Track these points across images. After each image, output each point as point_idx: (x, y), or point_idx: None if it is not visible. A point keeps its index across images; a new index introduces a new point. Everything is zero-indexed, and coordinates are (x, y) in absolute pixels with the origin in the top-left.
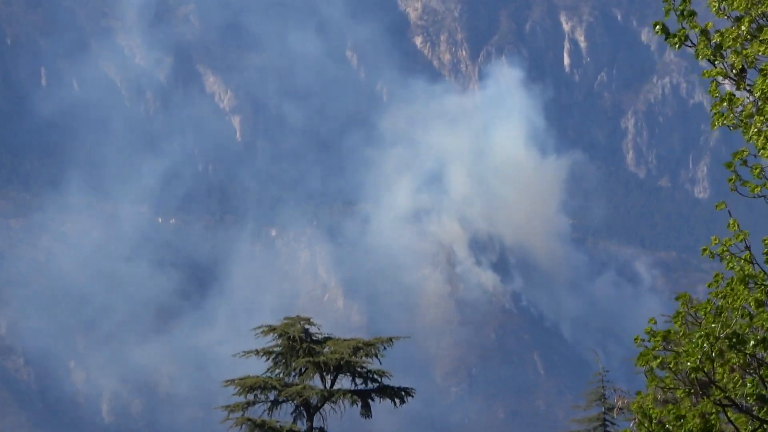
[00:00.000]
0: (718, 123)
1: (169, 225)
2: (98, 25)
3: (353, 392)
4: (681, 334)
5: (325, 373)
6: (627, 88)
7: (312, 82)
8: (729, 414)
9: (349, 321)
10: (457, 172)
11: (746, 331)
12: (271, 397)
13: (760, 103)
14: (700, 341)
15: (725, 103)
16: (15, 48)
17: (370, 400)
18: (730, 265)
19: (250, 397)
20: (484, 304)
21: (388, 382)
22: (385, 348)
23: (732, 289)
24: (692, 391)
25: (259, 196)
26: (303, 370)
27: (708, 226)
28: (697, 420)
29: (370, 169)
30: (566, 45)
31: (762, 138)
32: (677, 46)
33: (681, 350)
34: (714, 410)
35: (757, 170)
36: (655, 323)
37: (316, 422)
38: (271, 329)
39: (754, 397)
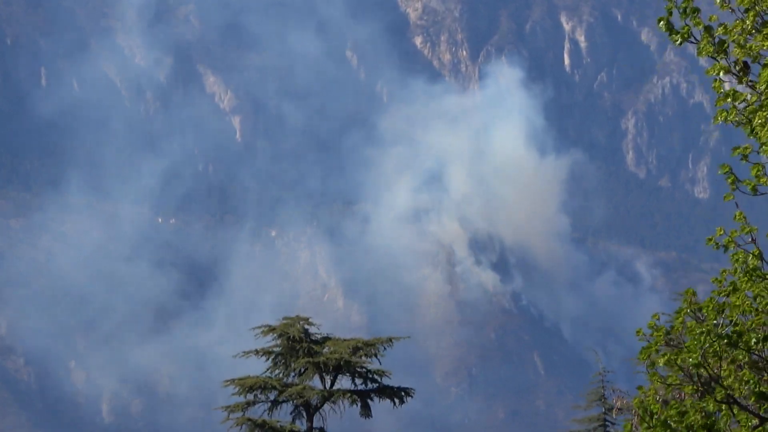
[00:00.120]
0: (720, 118)
1: (169, 225)
2: (98, 25)
3: (353, 392)
4: (683, 330)
5: (324, 374)
6: (627, 88)
7: (312, 82)
8: (730, 411)
9: (349, 321)
10: (457, 172)
11: (752, 325)
12: (272, 398)
13: (763, 98)
14: (702, 338)
15: (729, 99)
16: (15, 48)
17: (369, 400)
18: (736, 257)
19: (250, 397)
20: (484, 304)
21: (387, 382)
22: (384, 348)
23: (735, 289)
24: (695, 387)
25: (259, 196)
26: (303, 370)
27: (708, 226)
28: (698, 416)
29: (370, 169)
30: (566, 45)
31: (766, 130)
32: (678, 42)
33: (683, 346)
34: (716, 408)
35: (755, 170)
36: (659, 318)
37: (316, 422)
38: (271, 329)
39: (756, 395)
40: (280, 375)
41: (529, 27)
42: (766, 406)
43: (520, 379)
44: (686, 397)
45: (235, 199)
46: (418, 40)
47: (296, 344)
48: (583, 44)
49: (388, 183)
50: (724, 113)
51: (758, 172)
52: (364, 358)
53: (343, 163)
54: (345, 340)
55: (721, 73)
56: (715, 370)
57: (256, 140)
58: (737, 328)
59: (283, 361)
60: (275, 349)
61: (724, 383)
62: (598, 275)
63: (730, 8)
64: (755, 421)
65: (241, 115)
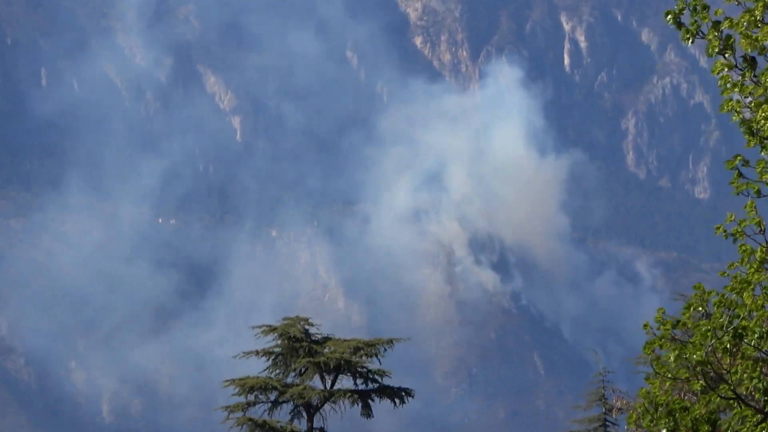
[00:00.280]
0: (727, 107)
1: (169, 225)
2: (98, 25)
3: (353, 392)
4: (691, 324)
5: (325, 374)
6: (627, 88)
7: (312, 82)
8: (735, 408)
9: (350, 321)
10: (457, 172)
11: (758, 321)
12: (272, 398)
13: None
14: (708, 334)
15: (736, 89)
16: (15, 48)
17: (370, 401)
18: (743, 248)
19: (251, 397)
20: (484, 304)
21: (388, 382)
22: (385, 349)
23: (747, 282)
24: (701, 383)
25: (259, 196)
26: (303, 370)
27: (708, 227)
28: (703, 410)
29: (370, 169)
30: (566, 45)
31: None
32: (690, 41)
33: (688, 342)
34: (721, 404)
35: (761, 166)
36: (665, 312)
37: (316, 422)
38: (271, 329)
39: (761, 391)
40: (280, 375)
41: (529, 27)
42: None
43: (520, 379)
44: (689, 395)
45: (235, 199)
46: (418, 40)
47: (297, 344)
48: (583, 44)
49: (388, 183)
50: (731, 102)
51: (762, 169)
52: (364, 358)
53: (342, 163)
54: (345, 340)
55: (726, 69)
56: (722, 366)
57: (256, 140)
58: (744, 322)
59: (283, 361)
60: (275, 350)
61: (731, 379)
62: (598, 275)
63: (737, 1)
64: (759, 417)
65: (241, 115)
